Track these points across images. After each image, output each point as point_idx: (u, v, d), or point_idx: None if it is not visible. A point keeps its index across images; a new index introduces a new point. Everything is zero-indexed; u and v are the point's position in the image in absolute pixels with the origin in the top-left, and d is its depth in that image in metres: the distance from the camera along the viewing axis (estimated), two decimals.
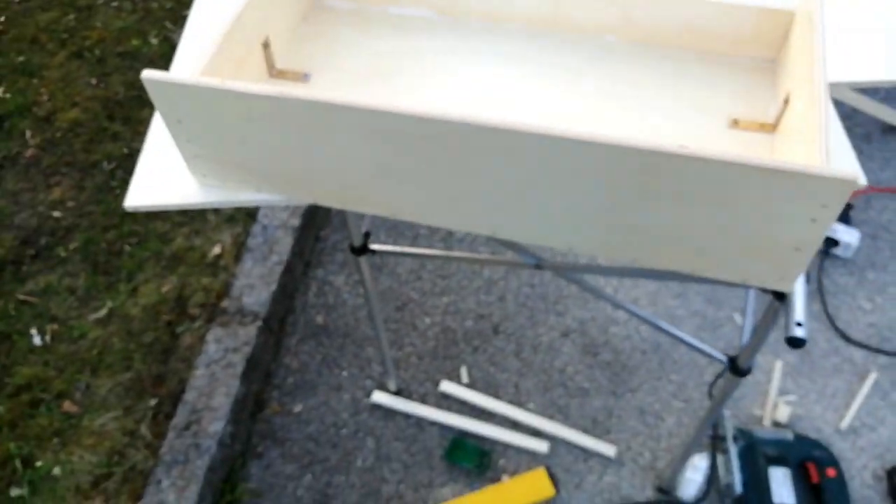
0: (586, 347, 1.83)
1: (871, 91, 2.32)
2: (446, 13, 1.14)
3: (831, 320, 1.84)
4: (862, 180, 0.76)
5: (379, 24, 1.15)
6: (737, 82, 1.03)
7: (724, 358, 1.12)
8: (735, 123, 0.98)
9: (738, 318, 1.85)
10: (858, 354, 1.78)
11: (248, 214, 2.03)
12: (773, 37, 1.03)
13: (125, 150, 2.28)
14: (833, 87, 1.05)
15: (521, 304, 1.92)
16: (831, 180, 0.68)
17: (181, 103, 0.86)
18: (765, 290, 0.91)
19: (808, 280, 1.93)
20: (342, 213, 2.15)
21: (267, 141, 0.88)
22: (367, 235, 1.29)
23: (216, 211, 2.06)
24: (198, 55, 0.90)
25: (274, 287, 1.83)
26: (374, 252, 1.30)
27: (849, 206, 2.01)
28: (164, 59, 2.56)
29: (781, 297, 0.90)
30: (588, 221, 0.83)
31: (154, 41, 2.64)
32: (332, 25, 1.15)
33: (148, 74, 0.84)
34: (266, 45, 1.05)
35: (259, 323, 1.75)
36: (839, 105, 2.22)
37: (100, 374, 1.75)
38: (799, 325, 0.84)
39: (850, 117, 2.28)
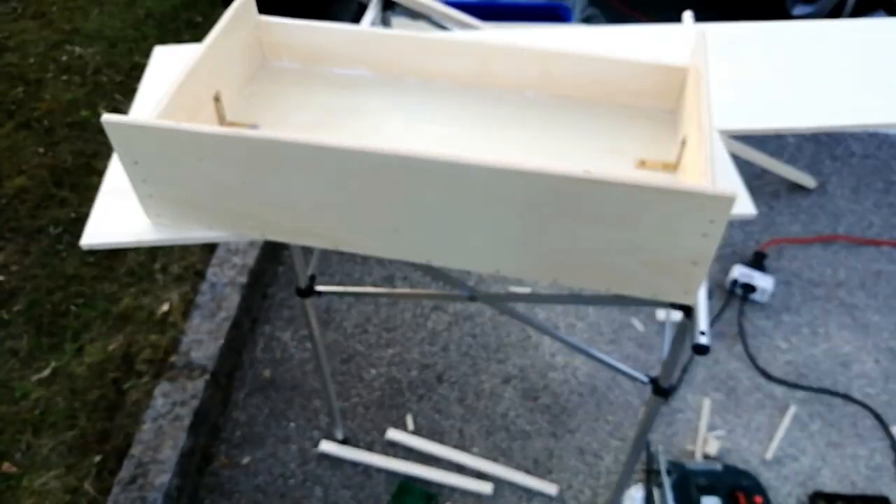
0: (526, 392, 1.90)
1: (777, 150, 2.54)
2: (384, 73, 1.26)
3: (752, 360, 1.96)
4: (751, 210, 0.89)
5: (322, 83, 1.26)
6: (644, 129, 1.17)
7: (645, 378, 1.22)
8: (642, 164, 1.11)
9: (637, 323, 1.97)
10: (779, 390, 1.90)
11: (196, 273, 2.07)
12: (671, 89, 1.17)
13: (73, 215, 2.30)
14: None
15: (463, 353, 1.99)
16: (713, 197, 0.80)
17: (138, 145, 0.94)
18: (674, 307, 1.01)
19: (725, 321, 2.06)
20: (289, 271, 2.21)
21: (217, 179, 0.95)
22: (312, 278, 1.36)
23: (164, 270, 2.09)
24: (153, 105, 0.98)
25: (221, 342, 1.86)
26: (319, 294, 1.37)
27: (763, 256, 2.17)
28: None
29: (689, 313, 1.00)
30: (511, 245, 0.92)
31: (103, 112, 2.71)
32: (279, 84, 1.25)
33: (108, 118, 0.92)
34: (217, 99, 1.14)
35: (207, 376, 1.77)
36: (749, 165, 2.43)
37: (42, 433, 1.73)
38: (702, 333, 0.94)
39: (760, 177, 2.49)
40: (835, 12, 2.79)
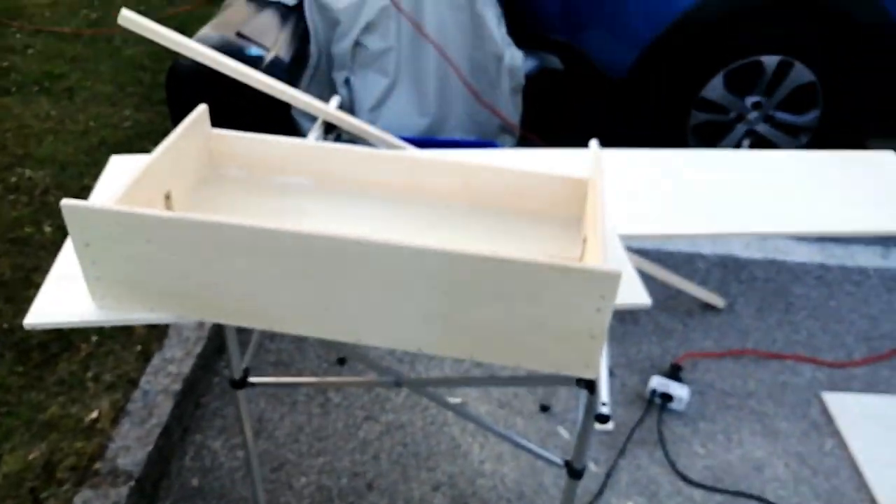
0: (455, 499, 1.92)
1: (689, 273, 2.77)
2: (323, 182, 1.40)
3: (672, 465, 2.05)
4: (646, 300, 1.03)
5: (265, 190, 1.39)
6: (552, 233, 1.32)
7: (559, 461, 1.29)
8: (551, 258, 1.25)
9: (563, 431, 2.03)
10: (698, 494, 1.98)
11: (129, 382, 2.07)
12: (576, 199, 1.34)
13: (5, 326, 2.29)
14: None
15: (394, 461, 2.01)
16: (603, 274, 0.93)
17: (91, 227, 1.03)
18: (578, 384, 1.11)
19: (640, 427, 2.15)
20: (223, 381, 2.22)
21: (161, 261, 1.04)
22: (246, 370, 1.41)
23: (97, 379, 2.08)
24: (108, 195, 1.08)
25: (150, 448, 1.84)
26: (253, 385, 1.41)
27: (679, 368, 2.32)
28: (55, 245, 2.66)
29: (592, 389, 1.11)
30: (431, 323, 1.03)
31: (48, 229, 2.76)
32: (226, 190, 1.38)
33: (67, 202, 1.01)
34: (168, 197, 1.25)
35: (132, 483, 1.74)
36: (665, 286, 2.63)
37: None
38: (604, 404, 1.04)
39: (675, 297, 2.69)
40: None
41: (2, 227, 2.76)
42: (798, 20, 2.85)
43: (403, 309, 1.02)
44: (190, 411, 2.09)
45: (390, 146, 1.86)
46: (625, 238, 1.36)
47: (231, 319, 1.10)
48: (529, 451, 1.36)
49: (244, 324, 1.09)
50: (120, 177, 1.40)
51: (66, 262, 1.18)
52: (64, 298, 1.12)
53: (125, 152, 3.31)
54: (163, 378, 2.05)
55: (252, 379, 1.42)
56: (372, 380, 1.41)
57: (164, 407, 1.96)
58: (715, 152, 1.74)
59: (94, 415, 1.96)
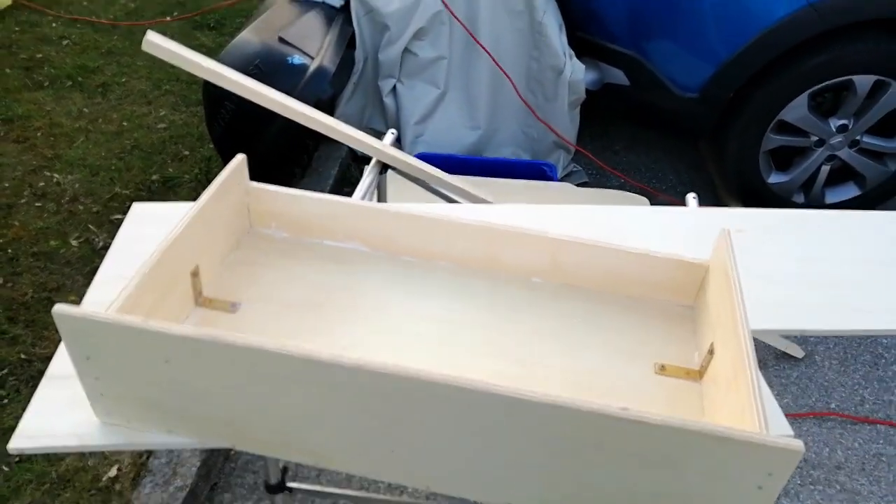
0: None
1: None
2: (380, 248, 1.18)
3: None
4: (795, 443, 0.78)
5: (312, 255, 1.16)
6: (659, 328, 1.08)
7: None
8: (662, 369, 1.01)
9: None
10: None
11: None
12: (689, 285, 1.10)
13: (22, 356, 2.12)
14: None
15: None
16: (779, 450, 0.69)
17: (93, 340, 0.81)
18: None
19: None
20: None
21: (184, 382, 0.83)
22: (284, 471, 1.20)
23: None
24: (120, 287, 0.87)
25: None
26: (290, 490, 1.21)
27: None
28: (81, 262, 2.48)
29: None
30: (528, 478, 0.80)
31: (74, 243, 2.58)
32: (264, 253, 1.16)
33: (59, 309, 0.79)
34: (195, 274, 1.03)
35: None
36: None
37: None
38: None
39: None
40: (808, 183, 2.87)
41: (27, 240, 2.59)
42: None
43: (492, 461, 0.79)
44: (219, 466, 1.90)
45: (454, 191, 1.63)
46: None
47: (271, 452, 0.88)
48: None
49: (284, 458, 0.87)
50: (139, 239, 1.18)
51: (64, 360, 0.96)
52: (60, 409, 0.91)
53: (158, 159, 3.13)
54: None
55: (291, 484, 1.21)
56: None
57: (190, 465, 1.76)
58: (833, 213, 1.47)
59: (114, 472, 1.77)
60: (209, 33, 4.20)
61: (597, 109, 3.00)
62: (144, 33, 1.45)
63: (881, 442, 2.14)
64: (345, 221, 1.16)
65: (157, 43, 1.32)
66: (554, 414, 0.73)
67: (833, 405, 2.24)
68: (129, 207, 1.29)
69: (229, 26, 4.17)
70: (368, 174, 1.45)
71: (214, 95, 2.63)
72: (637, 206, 1.98)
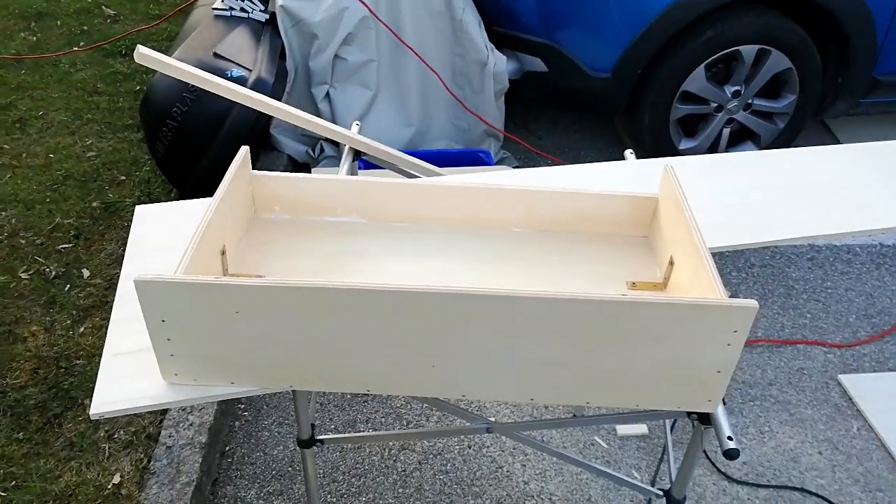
0: None
1: None
2: (376, 219, 1.32)
3: (713, 464, 2.04)
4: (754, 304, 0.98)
5: (316, 231, 1.30)
6: (623, 254, 1.28)
7: (659, 492, 1.25)
8: (633, 285, 1.21)
9: (599, 441, 2.00)
10: (743, 492, 1.98)
11: (148, 437, 1.94)
12: (644, 217, 1.30)
13: None
14: None
15: (438, 491, 1.95)
16: (739, 308, 0.89)
17: (168, 303, 0.93)
18: (689, 416, 1.07)
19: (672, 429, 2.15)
20: (246, 426, 2.11)
21: (250, 333, 0.95)
22: (313, 427, 1.32)
23: (110, 438, 1.94)
24: (174, 263, 0.98)
25: None
26: (322, 442, 1.33)
27: None
28: (36, 293, 2.47)
29: (706, 421, 1.07)
30: (547, 373, 0.97)
31: (24, 276, 2.57)
32: (272, 235, 1.28)
33: (140, 277, 0.91)
34: (223, 252, 1.15)
35: None
36: None
37: None
38: (730, 438, 1.00)
39: None
40: (713, 146, 3.18)
41: None
42: (774, 11, 2.89)
43: (517, 359, 0.96)
44: (216, 462, 1.98)
45: (419, 171, 1.79)
46: None
47: (324, 385, 1.01)
48: (623, 482, 1.32)
49: (338, 389, 1.01)
50: (152, 234, 1.28)
51: (120, 337, 1.07)
52: (126, 379, 1.02)
53: (95, 186, 3.12)
54: (185, 430, 1.93)
55: (321, 437, 1.33)
56: (462, 427, 1.34)
57: (192, 462, 1.84)
58: (748, 155, 1.73)
59: (117, 479, 1.83)
60: (122, 60, 4.18)
61: (520, 97, 3.22)
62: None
63: (801, 358, 2.44)
64: (341, 197, 1.30)
65: (148, 55, 1.42)
66: (571, 307, 0.90)
67: (760, 333, 2.53)
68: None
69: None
70: (345, 160, 1.59)
71: (154, 117, 2.69)
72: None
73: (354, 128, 1.69)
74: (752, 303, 0.89)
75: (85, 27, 4.48)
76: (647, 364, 0.95)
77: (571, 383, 0.98)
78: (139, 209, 1.40)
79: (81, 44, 4.30)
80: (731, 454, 0.99)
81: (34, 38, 4.39)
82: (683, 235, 1.13)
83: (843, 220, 1.44)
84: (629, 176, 1.55)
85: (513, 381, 0.98)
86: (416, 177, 1.73)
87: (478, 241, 1.30)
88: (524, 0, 3.03)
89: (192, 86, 2.58)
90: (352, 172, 1.63)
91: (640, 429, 2.14)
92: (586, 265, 1.26)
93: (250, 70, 2.60)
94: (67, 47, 4.26)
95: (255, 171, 1.28)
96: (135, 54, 1.42)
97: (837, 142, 3.60)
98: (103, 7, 4.70)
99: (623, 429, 2.14)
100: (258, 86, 2.56)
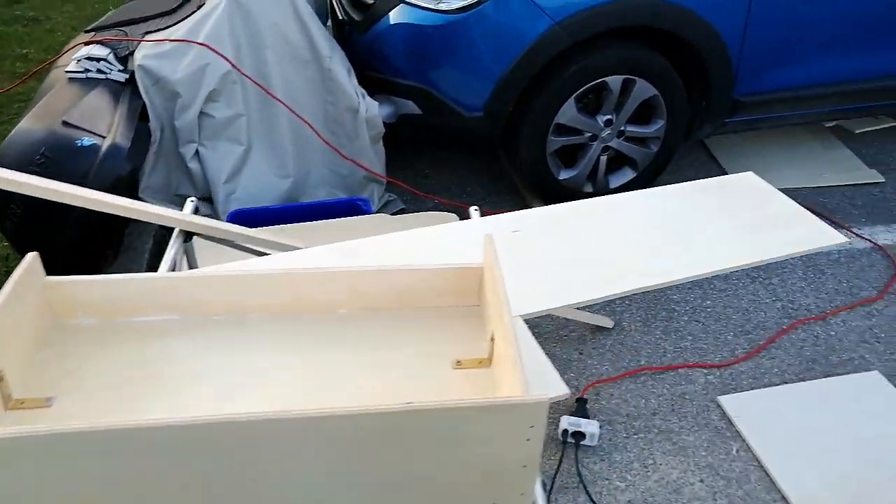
0: None
1: None
2: (190, 314, 1.25)
3: None
4: (564, 390, 0.96)
5: (124, 335, 1.21)
6: (453, 327, 1.25)
7: None
8: (459, 364, 1.17)
9: None
10: None
11: None
12: (471, 288, 1.27)
13: None
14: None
15: None
16: (529, 405, 0.86)
17: None
18: None
19: (553, 475, 2.14)
20: None
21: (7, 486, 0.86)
22: None
23: None
24: None
25: None
26: None
27: (584, 401, 2.32)
28: None
29: None
30: (342, 492, 0.91)
31: None
32: (74, 344, 1.19)
33: None
34: (1, 378, 1.05)
35: None
36: (552, 317, 2.64)
37: None
38: None
39: (565, 326, 2.71)
40: (593, 174, 3.24)
41: None
42: (635, 42, 2.98)
43: (307, 485, 0.90)
44: None
45: (258, 243, 1.72)
46: (527, 317, 1.31)
47: None
48: None
49: None
50: None
51: None
52: None
53: None
54: None
55: None
56: None
57: None
58: (590, 202, 1.74)
59: None
60: None
61: (399, 139, 3.20)
62: None
63: (683, 383, 2.48)
64: (151, 296, 1.22)
65: None
66: (343, 424, 0.85)
67: (642, 361, 2.57)
68: None
69: (6, 113, 3.95)
70: (172, 245, 1.50)
71: None
72: (441, 223, 2.17)
73: (188, 206, 1.61)
74: (543, 396, 0.86)
75: None
76: (447, 469, 0.91)
77: (371, 498, 0.93)
78: None
79: None
80: None
81: None
82: (497, 309, 1.10)
83: (695, 262, 1.46)
84: (474, 236, 1.53)
85: None
86: (264, 253, 1.66)
87: (301, 327, 1.24)
88: (393, 44, 3.02)
89: (41, 157, 2.44)
90: (184, 255, 1.55)
91: None
92: (414, 345, 1.21)
93: (104, 137, 2.48)
94: None
95: (51, 277, 1.19)
96: None
97: (716, 161, 3.74)
98: None
99: None
100: (112, 153, 2.44)
